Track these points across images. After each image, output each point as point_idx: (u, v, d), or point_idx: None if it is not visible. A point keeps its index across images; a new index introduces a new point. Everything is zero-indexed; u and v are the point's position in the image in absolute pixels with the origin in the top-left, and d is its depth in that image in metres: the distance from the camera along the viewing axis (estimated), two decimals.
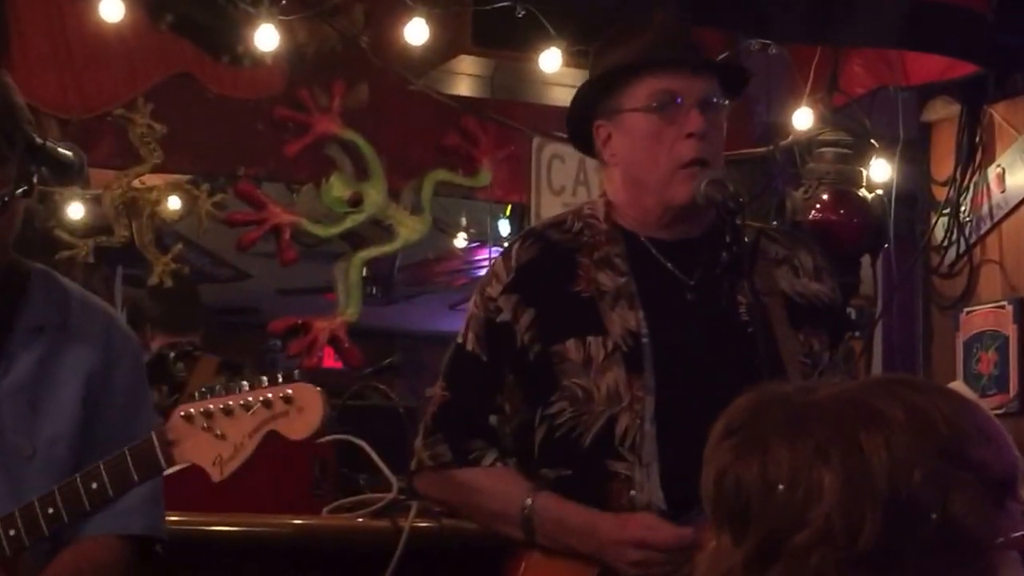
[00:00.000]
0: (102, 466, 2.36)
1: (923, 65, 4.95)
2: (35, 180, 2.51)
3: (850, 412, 1.49)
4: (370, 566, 3.57)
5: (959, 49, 4.70)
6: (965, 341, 5.02)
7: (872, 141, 5.06)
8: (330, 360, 5.94)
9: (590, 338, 2.97)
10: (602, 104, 3.05)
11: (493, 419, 3.02)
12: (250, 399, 2.29)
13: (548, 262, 3.06)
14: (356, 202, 5.27)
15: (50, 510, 2.36)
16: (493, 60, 4.97)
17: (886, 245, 5.07)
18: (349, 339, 5.42)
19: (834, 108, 5.05)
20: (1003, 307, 4.88)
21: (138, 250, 5.22)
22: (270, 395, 2.29)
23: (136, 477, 2.36)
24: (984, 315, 4.97)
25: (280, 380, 2.31)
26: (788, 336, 2.96)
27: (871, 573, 1.45)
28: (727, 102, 3.07)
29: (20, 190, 2.46)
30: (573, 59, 4.80)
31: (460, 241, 8.01)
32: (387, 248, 5.45)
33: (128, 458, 2.35)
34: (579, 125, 3.13)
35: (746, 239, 2.97)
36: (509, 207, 6.36)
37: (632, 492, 2.90)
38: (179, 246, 5.31)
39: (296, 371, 2.33)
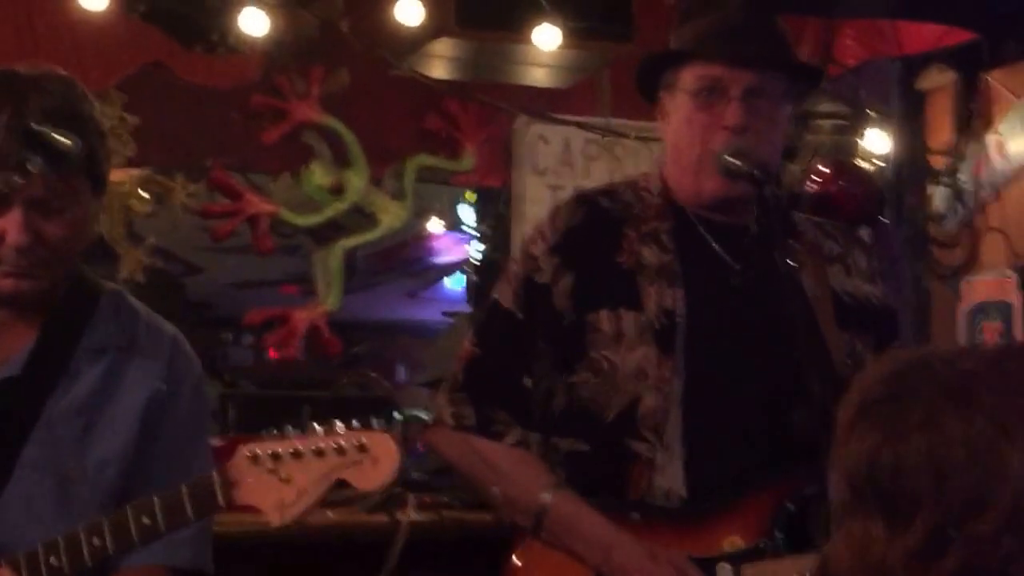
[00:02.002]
0: (156, 500, 2.27)
1: (917, 34, 4.92)
2: (31, 168, 2.38)
3: (1018, 382, 1.37)
4: (368, 560, 3.50)
5: (953, 16, 4.66)
6: (967, 311, 4.97)
7: (868, 111, 5.00)
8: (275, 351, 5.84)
9: (623, 311, 2.89)
10: (663, 77, 2.98)
11: (527, 381, 2.93)
12: (322, 445, 2.21)
13: (594, 229, 2.97)
14: (338, 190, 5.18)
15: (95, 541, 2.27)
16: (474, 42, 4.88)
17: (883, 216, 5.02)
18: (329, 329, 5.34)
19: (829, 79, 4.99)
20: (1008, 276, 4.83)
21: (109, 245, 5.11)
22: (344, 442, 2.21)
23: (191, 515, 2.27)
24: (987, 284, 4.92)
25: (356, 427, 2.22)
26: (833, 332, 2.87)
27: None
28: (787, 95, 2.96)
29: (14, 179, 2.35)
30: (563, 38, 4.72)
31: (435, 226, 7.94)
32: (368, 235, 5.37)
33: (185, 495, 2.26)
34: (650, 88, 3.03)
35: (776, 205, 2.88)
36: (472, 193, 6.30)
37: (654, 476, 2.81)
38: (152, 240, 5.20)
39: (375, 420, 2.24)
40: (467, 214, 6.92)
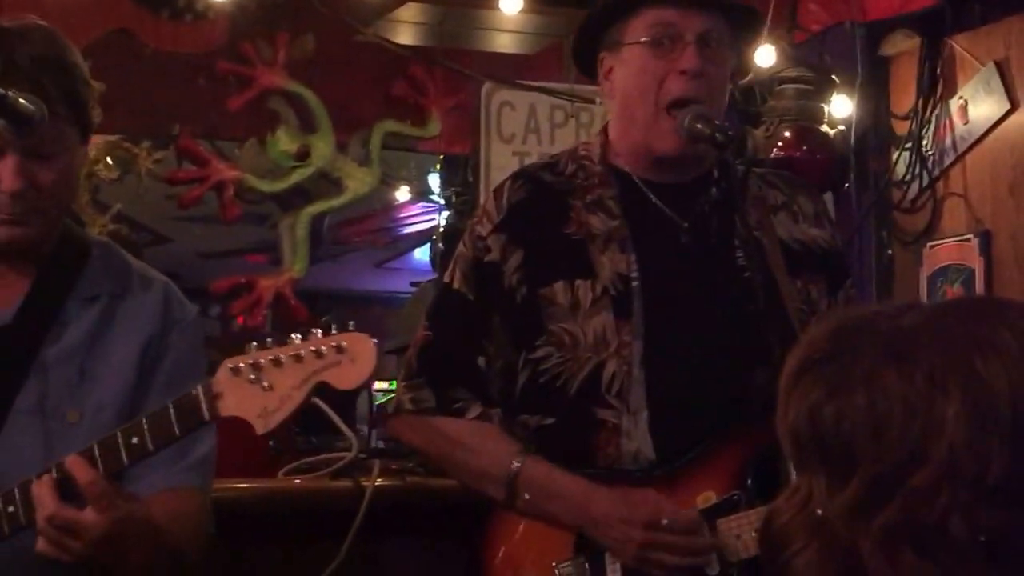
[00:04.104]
0: (144, 420, 2.31)
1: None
2: None
3: (956, 338, 1.39)
4: (333, 527, 3.50)
5: None
6: (929, 275, 4.98)
7: (833, 77, 5.01)
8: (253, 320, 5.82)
9: (579, 281, 2.89)
10: (607, 35, 2.98)
11: (480, 360, 2.94)
12: (300, 351, 2.24)
13: (539, 203, 2.98)
14: (303, 155, 5.18)
15: (90, 465, 2.31)
16: (440, 8, 4.87)
17: (847, 183, 5.04)
18: (296, 296, 5.33)
19: (793, 45, 4.99)
20: (968, 240, 4.84)
21: (75, 212, 5.08)
22: (322, 345, 2.23)
23: (177, 431, 2.31)
24: (948, 249, 4.93)
25: (333, 331, 2.25)
26: (786, 283, 2.88)
27: (1002, 509, 1.35)
28: (732, 42, 2.97)
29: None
30: (527, 3, 4.71)
31: (403, 194, 7.91)
32: (334, 202, 5.36)
33: (171, 411, 2.30)
34: (585, 56, 3.05)
35: (737, 168, 2.89)
36: (441, 159, 6.28)
37: (621, 440, 2.82)
38: (117, 207, 5.19)
39: (351, 322, 2.27)
40: (435, 182, 6.91)
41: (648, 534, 2.73)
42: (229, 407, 2.27)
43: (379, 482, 3.59)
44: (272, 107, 5.15)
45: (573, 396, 2.86)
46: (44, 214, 2.52)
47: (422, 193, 7.36)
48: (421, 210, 9.31)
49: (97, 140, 5.09)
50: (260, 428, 2.26)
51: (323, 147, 5.17)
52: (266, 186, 5.25)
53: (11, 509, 2.33)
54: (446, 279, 3.03)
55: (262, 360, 2.25)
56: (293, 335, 2.26)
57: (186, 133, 5.11)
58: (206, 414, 2.28)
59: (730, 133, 2.84)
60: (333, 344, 2.23)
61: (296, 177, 5.22)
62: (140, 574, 2.45)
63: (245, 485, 3.64)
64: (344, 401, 4.33)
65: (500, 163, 5.14)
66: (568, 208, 2.96)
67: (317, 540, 3.57)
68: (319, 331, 2.25)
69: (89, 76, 2.59)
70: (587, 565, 2.80)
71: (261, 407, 2.24)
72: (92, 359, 2.56)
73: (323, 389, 2.26)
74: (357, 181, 5.26)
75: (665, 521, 2.73)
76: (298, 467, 3.77)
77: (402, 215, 10.12)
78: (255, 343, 2.28)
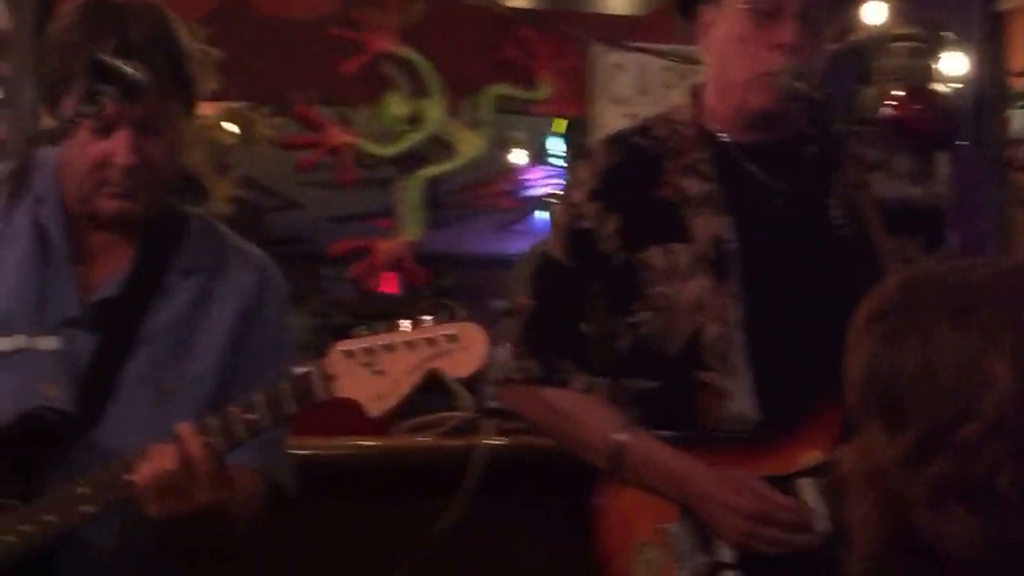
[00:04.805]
0: (261, 398, 2.36)
1: None
2: (103, 100, 2.45)
3: (1015, 296, 1.39)
4: (444, 486, 3.55)
5: None
6: None
7: (945, 34, 4.93)
8: (388, 284, 5.90)
9: (674, 245, 2.89)
10: None
11: (584, 327, 2.96)
12: (413, 338, 2.28)
13: (633, 168, 2.98)
14: (415, 120, 5.21)
15: (204, 438, 2.36)
16: None
17: (962, 142, 4.96)
18: (413, 259, 5.38)
19: (905, 1, 4.93)
20: None
21: (196, 179, 5.18)
22: (433, 334, 2.28)
23: (293, 409, 2.36)
24: None
25: (445, 319, 2.29)
26: (883, 241, 2.85)
27: None
28: (833, 12, 2.94)
29: (89, 109, 2.41)
30: None
31: (518, 157, 7.92)
32: (448, 166, 5.40)
33: (287, 390, 2.35)
34: (687, 2, 3.00)
35: (836, 128, 2.88)
36: (560, 123, 6.28)
37: (724, 402, 2.82)
38: (238, 171, 5.27)
39: (462, 311, 2.32)
40: (557, 145, 6.91)
41: (753, 526, 2.74)
42: (342, 388, 2.31)
43: (491, 441, 3.62)
44: (384, 72, 5.19)
45: (673, 359, 2.87)
46: (151, 188, 2.57)
47: (539, 156, 7.37)
48: (545, 172, 9.32)
49: (216, 107, 5.19)
50: (373, 411, 2.31)
51: (435, 111, 5.21)
52: (380, 150, 5.30)
53: (127, 477, 2.37)
54: (544, 248, 3.04)
55: (374, 345, 2.29)
56: (403, 321, 2.30)
57: (301, 99, 5.17)
58: (321, 394, 2.32)
59: (828, 92, 2.83)
60: (445, 333, 2.27)
61: (408, 141, 5.27)
62: (198, 543, 2.53)
63: (361, 443, 3.70)
64: None
65: (611, 125, 5.12)
66: (661, 172, 2.95)
67: (431, 498, 3.61)
68: (430, 319, 2.29)
69: (194, 48, 2.62)
70: (695, 525, 2.81)
71: (374, 391, 2.29)
72: (192, 331, 2.61)
73: (435, 376, 2.30)
74: (468, 145, 5.29)
75: (772, 514, 2.73)
76: (412, 426, 3.82)
77: (525, 178, 10.13)
78: (365, 327, 2.32)
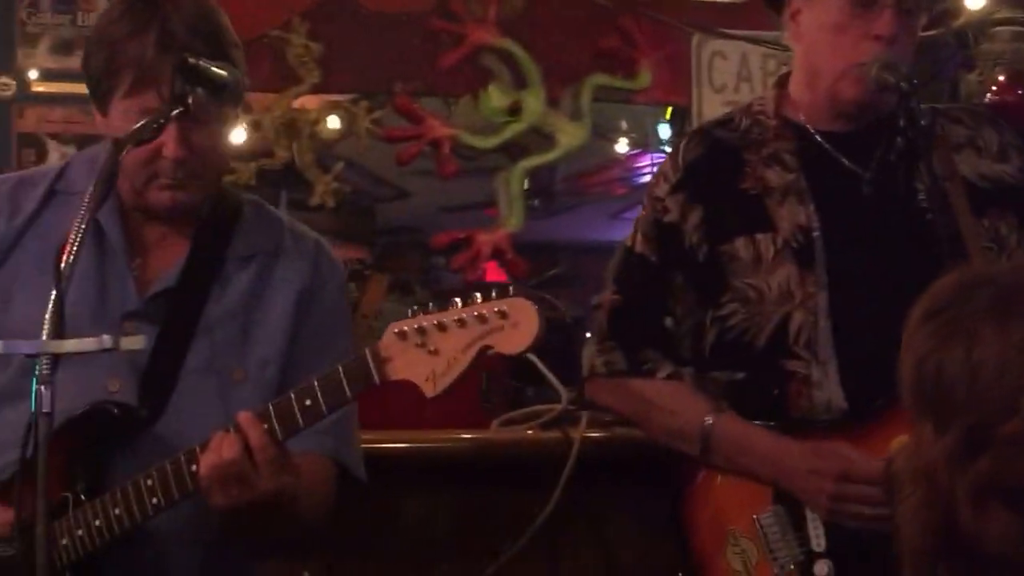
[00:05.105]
0: (316, 383, 2.37)
1: None
2: (191, 101, 2.49)
3: None
4: (541, 478, 3.56)
5: None
6: None
7: None
8: (493, 274, 5.92)
9: (759, 236, 2.90)
10: None
11: (668, 321, 2.96)
12: (464, 315, 2.26)
13: (715, 160, 2.98)
14: (515, 111, 5.22)
15: (264, 425, 2.37)
16: None
17: None
18: (513, 250, 5.38)
19: None
20: None
21: (300, 172, 5.23)
22: (484, 311, 2.26)
23: (349, 393, 2.36)
24: None
25: (494, 296, 2.27)
26: (971, 222, 2.82)
27: None
28: (923, 8, 2.91)
29: (175, 111, 2.44)
30: None
31: (621, 147, 7.90)
32: (548, 156, 5.40)
33: (341, 374, 2.35)
34: None
35: (922, 122, 2.84)
36: (669, 110, 6.26)
37: (812, 391, 2.82)
38: (340, 165, 5.31)
39: (511, 286, 2.29)
40: (667, 132, 6.89)
41: (839, 486, 2.73)
42: (398, 370, 2.31)
43: (587, 433, 3.63)
44: (484, 64, 5.20)
45: (761, 350, 2.87)
46: (202, 178, 2.59)
47: (644, 144, 7.35)
48: (655, 160, 9.29)
49: (318, 100, 5.23)
50: (429, 391, 2.30)
51: (534, 102, 5.21)
52: (479, 142, 5.31)
53: (194, 468, 2.40)
54: (628, 243, 3.05)
55: (427, 324, 2.28)
56: (455, 299, 2.28)
57: (401, 91, 5.20)
58: (376, 377, 2.32)
59: (915, 82, 2.79)
60: (495, 309, 2.25)
61: (508, 133, 5.27)
62: (264, 531, 2.54)
63: (460, 436, 3.73)
64: (565, 352, 4.39)
65: (713, 113, 5.10)
66: (743, 163, 2.95)
67: (528, 490, 3.63)
68: (480, 296, 2.27)
69: (238, 40, 2.63)
70: (786, 515, 2.82)
71: (429, 370, 2.28)
72: (252, 317, 2.63)
73: (488, 352, 2.28)
74: (569, 136, 5.29)
75: (856, 472, 2.72)
76: (510, 418, 3.83)
77: (636, 165, 10.11)
78: (416, 307, 2.31)
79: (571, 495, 3.56)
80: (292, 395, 2.37)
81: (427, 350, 2.28)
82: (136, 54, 2.49)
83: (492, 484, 3.69)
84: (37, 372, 2.14)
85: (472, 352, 2.26)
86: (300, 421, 2.37)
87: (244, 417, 2.36)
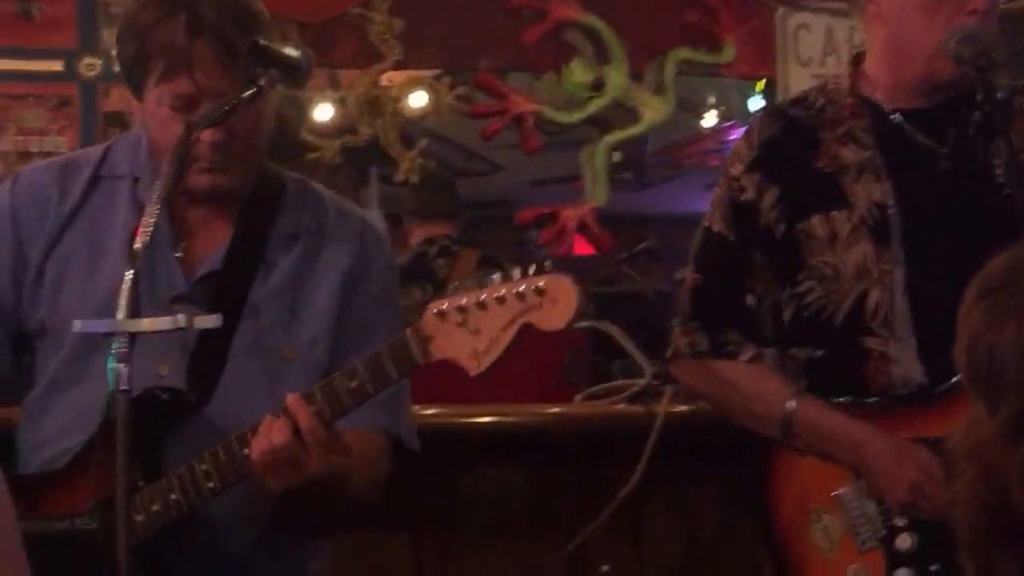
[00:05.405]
0: (359, 364, 2.36)
1: None
2: (262, 83, 2.50)
3: None
4: (624, 453, 3.57)
5: None
6: None
7: None
8: (581, 247, 5.92)
9: (834, 213, 2.89)
10: None
11: (749, 299, 2.96)
12: (503, 293, 2.25)
13: (790, 139, 2.97)
14: (598, 86, 5.21)
15: (312, 408, 2.37)
16: None
17: None
18: (599, 225, 5.38)
19: None
20: None
21: (384, 149, 5.26)
22: (523, 288, 2.24)
23: (394, 375, 2.36)
24: None
25: (533, 272, 2.24)
26: None
27: None
28: None
29: (247, 93, 2.46)
30: None
31: (709, 120, 7.87)
32: (632, 131, 5.39)
33: (385, 355, 2.35)
34: None
35: (999, 96, 2.81)
36: (762, 83, 6.22)
37: (891, 368, 2.81)
38: (424, 141, 5.33)
39: (548, 262, 2.27)
40: (758, 105, 6.85)
41: (912, 495, 2.75)
42: (440, 350, 2.30)
43: (670, 408, 3.63)
44: (567, 39, 5.19)
45: (839, 327, 2.87)
46: (242, 161, 2.57)
47: (732, 118, 7.31)
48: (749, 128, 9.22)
49: (400, 76, 5.26)
50: (472, 370, 2.28)
51: (617, 77, 5.20)
52: (563, 117, 5.31)
53: (246, 452, 2.40)
54: (706, 223, 3.04)
55: (467, 303, 2.27)
56: (494, 276, 2.27)
57: (485, 68, 5.20)
58: (418, 357, 2.31)
59: (992, 56, 2.76)
60: (533, 287, 2.23)
61: (592, 108, 5.27)
62: (319, 512, 2.54)
63: (543, 410, 3.75)
64: (650, 326, 4.38)
65: (799, 86, 5.06)
66: (819, 142, 2.94)
67: (610, 464, 3.64)
68: (518, 271, 2.25)
69: (269, 17, 2.60)
70: (869, 489, 2.81)
71: (471, 349, 2.27)
72: (299, 298, 2.61)
73: (529, 330, 2.25)
74: (652, 110, 5.27)
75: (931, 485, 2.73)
76: (593, 393, 3.84)
77: (729, 138, 10.07)
78: (455, 285, 2.31)
79: (653, 470, 3.56)
80: (338, 377, 2.37)
81: (468, 329, 2.27)
82: (166, 39, 2.47)
83: (574, 458, 3.70)
84: (114, 351, 2.16)
85: (513, 330, 2.25)
86: (347, 402, 2.37)
87: (292, 400, 2.36)
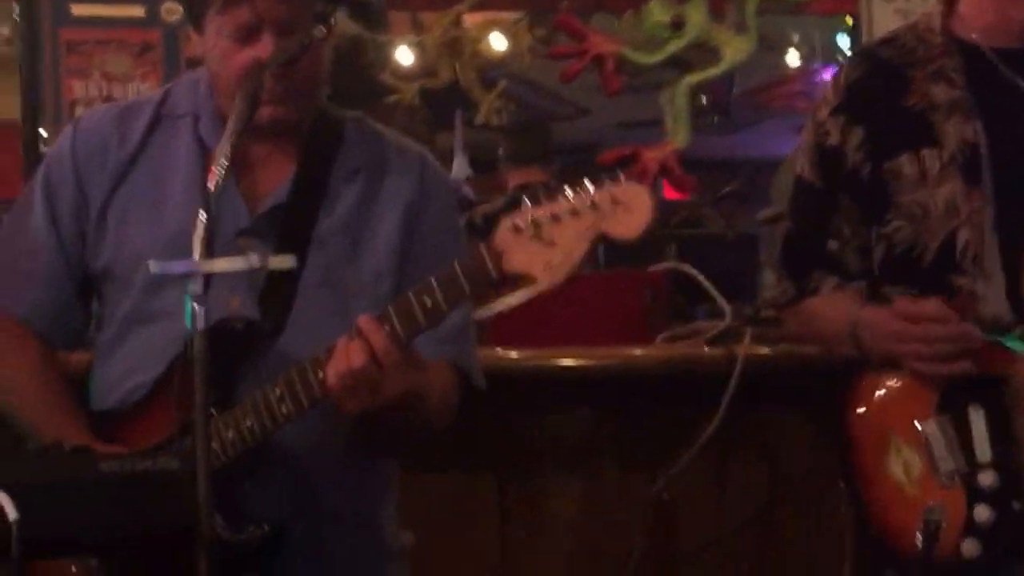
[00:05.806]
0: (434, 281, 2.34)
1: None
2: (333, 23, 2.52)
3: None
4: (706, 394, 3.56)
5: None
6: None
7: None
8: (670, 192, 5.88)
9: (924, 151, 2.86)
10: None
11: (833, 244, 2.96)
12: (577, 204, 2.22)
13: (878, 79, 2.95)
14: (678, 25, 5.15)
15: (386, 327, 2.37)
16: None
17: None
18: (681, 167, 5.33)
19: None
20: None
21: (464, 91, 5.25)
22: (597, 198, 2.21)
23: (467, 289, 2.33)
24: None
25: (606, 183, 2.21)
26: None
27: None
28: None
29: (317, 31, 2.46)
30: None
31: (793, 60, 7.78)
32: (713, 71, 5.30)
33: (459, 271, 2.32)
34: None
35: None
36: (850, 20, 6.13)
37: (979, 306, 2.79)
38: (504, 82, 5.31)
39: (621, 172, 2.24)
40: (845, 43, 6.77)
41: (900, 325, 2.77)
42: (514, 264, 2.27)
43: (751, 350, 3.63)
44: None
45: (929, 266, 2.86)
46: (301, 93, 2.57)
47: (816, 56, 7.22)
48: (832, 71, 9.13)
49: (479, 17, 5.23)
50: (547, 282, 2.26)
51: (697, 16, 5.13)
52: (643, 58, 5.24)
53: (320, 375, 2.40)
54: (798, 170, 3.05)
55: (541, 216, 2.24)
56: (567, 189, 2.24)
57: (564, 7, 5.17)
58: (492, 272, 2.29)
59: None
60: (607, 197, 2.20)
61: (672, 48, 5.19)
62: (397, 434, 2.57)
63: (625, 352, 3.74)
64: (738, 272, 4.36)
65: (883, 22, 5.01)
66: (908, 80, 2.92)
67: (693, 405, 3.65)
68: (590, 184, 2.22)
69: None
70: (951, 424, 2.78)
71: (546, 262, 2.24)
72: (362, 230, 2.63)
73: (603, 240, 2.23)
74: (734, 49, 5.19)
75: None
76: (674, 334, 3.83)
77: (817, 79, 9.98)
78: (527, 198, 2.28)
79: (735, 411, 3.58)
80: (411, 295, 2.36)
81: (543, 242, 2.24)
82: None
83: (657, 400, 3.71)
84: (190, 291, 2.16)
85: (587, 240, 2.22)
86: (422, 320, 2.35)
87: (365, 321, 2.35)
